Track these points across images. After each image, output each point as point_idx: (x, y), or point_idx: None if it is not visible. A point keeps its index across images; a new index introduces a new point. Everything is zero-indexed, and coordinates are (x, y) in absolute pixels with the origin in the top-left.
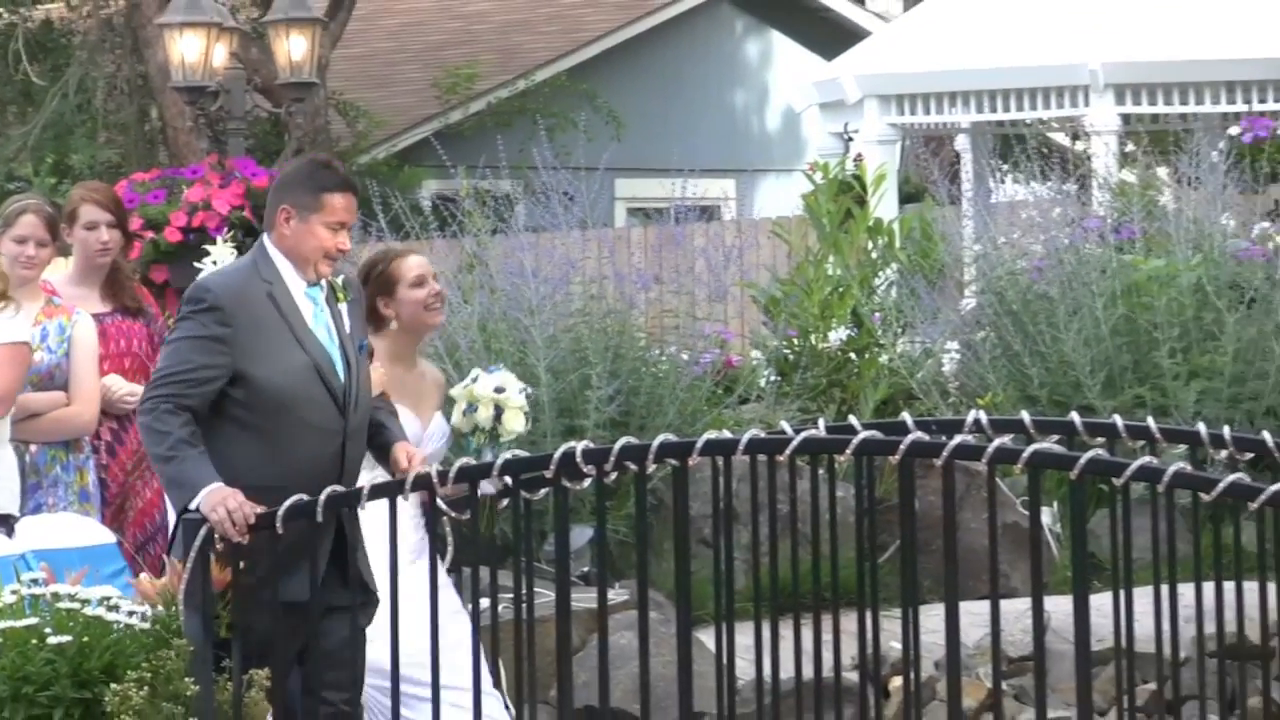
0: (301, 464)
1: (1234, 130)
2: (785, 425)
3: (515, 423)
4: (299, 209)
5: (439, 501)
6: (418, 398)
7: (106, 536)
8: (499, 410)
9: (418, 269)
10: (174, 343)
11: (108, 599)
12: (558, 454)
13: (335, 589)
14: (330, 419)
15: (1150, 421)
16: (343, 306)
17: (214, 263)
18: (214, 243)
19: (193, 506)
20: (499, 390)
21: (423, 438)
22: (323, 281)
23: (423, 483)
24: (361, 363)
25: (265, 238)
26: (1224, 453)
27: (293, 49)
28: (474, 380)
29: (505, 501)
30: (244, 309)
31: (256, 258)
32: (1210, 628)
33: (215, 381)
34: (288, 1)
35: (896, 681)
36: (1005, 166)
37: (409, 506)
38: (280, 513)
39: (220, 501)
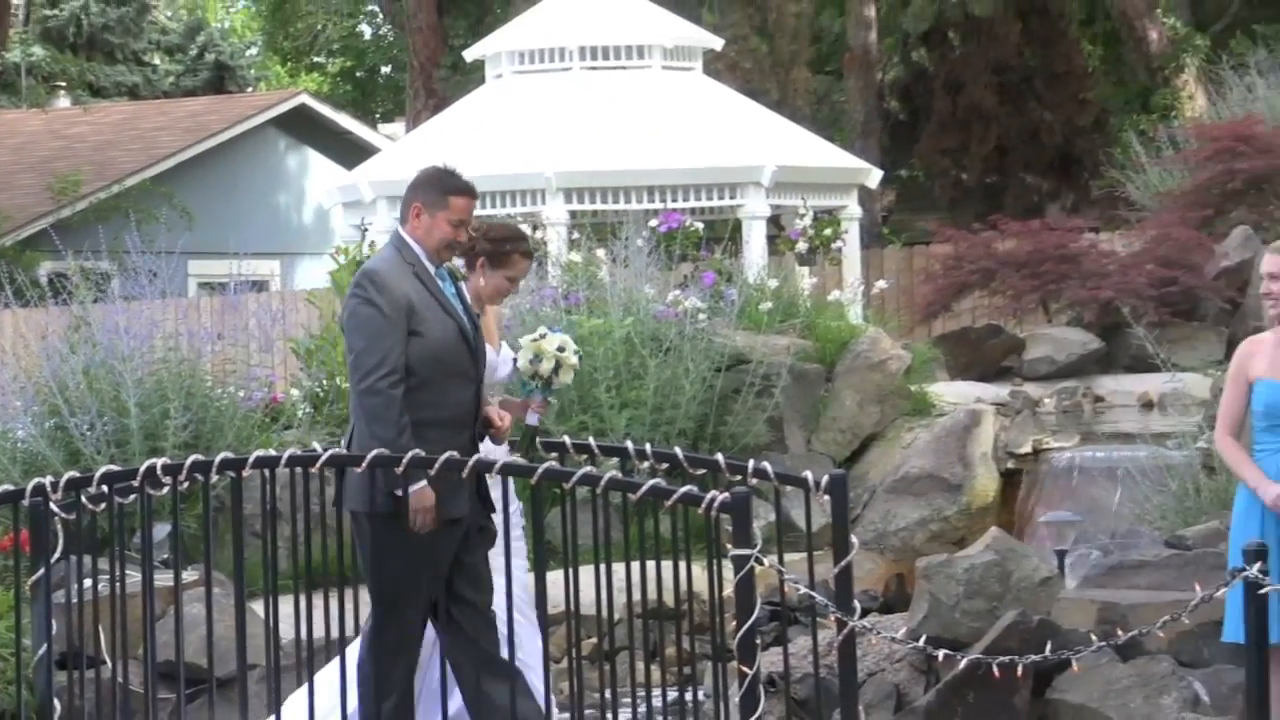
0: (453, 404)
1: (654, 222)
2: (316, 445)
3: (567, 376)
4: (428, 205)
5: (52, 505)
6: (489, 334)
7: None
8: (557, 364)
9: (522, 271)
10: (367, 322)
11: None
12: (143, 467)
13: (477, 510)
14: (470, 369)
15: (591, 440)
16: (462, 285)
17: None
18: None
19: (400, 492)
20: (560, 349)
21: (497, 364)
22: (443, 269)
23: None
24: (479, 326)
25: (400, 228)
26: (646, 464)
27: None
28: (541, 336)
29: (103, 504)
30: (405, 285)
31: (397, 245)
32: (637, 595)
33: (402, 345)
34: None
35: None
36: None
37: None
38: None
39: (425, 504)
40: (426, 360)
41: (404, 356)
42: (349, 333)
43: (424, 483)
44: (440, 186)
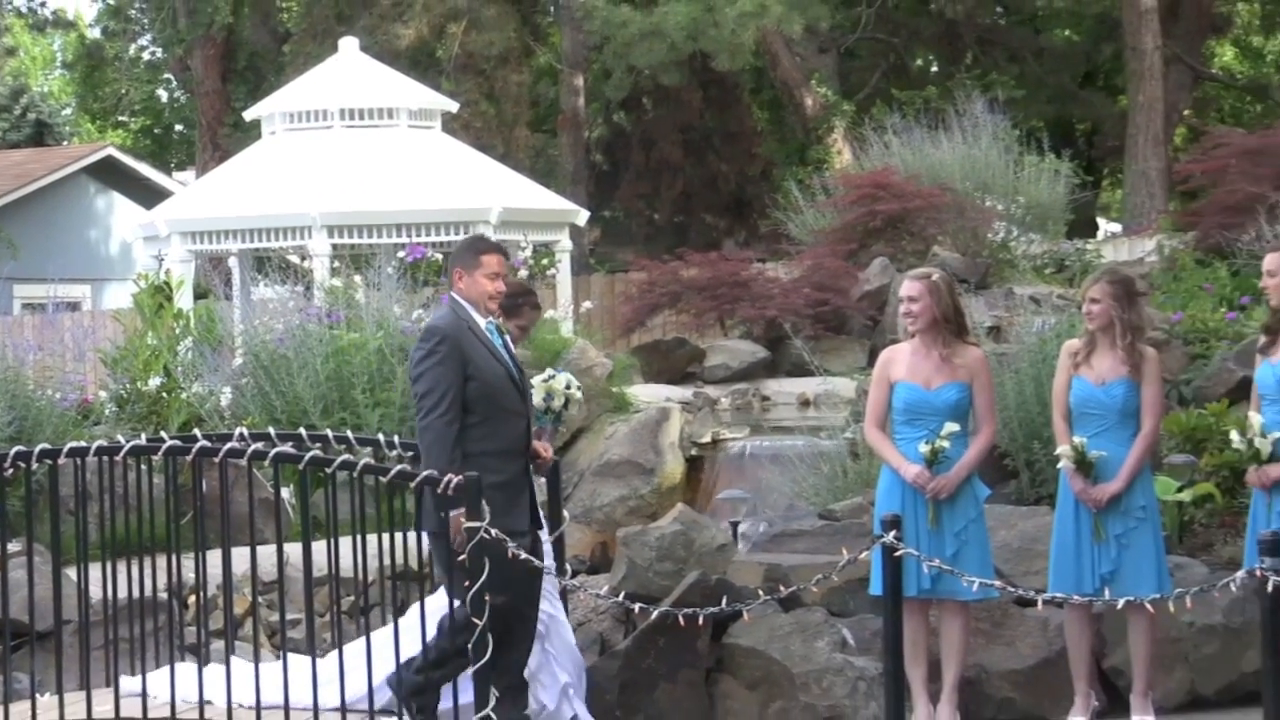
0: (508, 437)
1: (401, 254)
2: (120, 438)
3: (574, 409)
4: (466, 268)
5: None
6: None
7: None
8: (566, 400)
9: (532, 321)
10: (429, 370)
11: None
12: None
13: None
14: (519, 407)
15: (349, 433)
16: (507, 337)
17: None
18: None
19: (446, 515)
20: (568, 387)
21: None
22: (491, 321)
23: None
24: (524, 370)
25: (452, 292)
26: (395, 452)
27: None
28: (550, 377)
29: None
30: (462, 338)
31: (452, 306)
32: (387, 561)
33: (458, 389)
34: None
35: (192, 598)
36: (260, 275)
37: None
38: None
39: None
40: (483, 401)
41: (460, 398)
42: (413, 380)
43: (464, 508)
44: (473, 250)
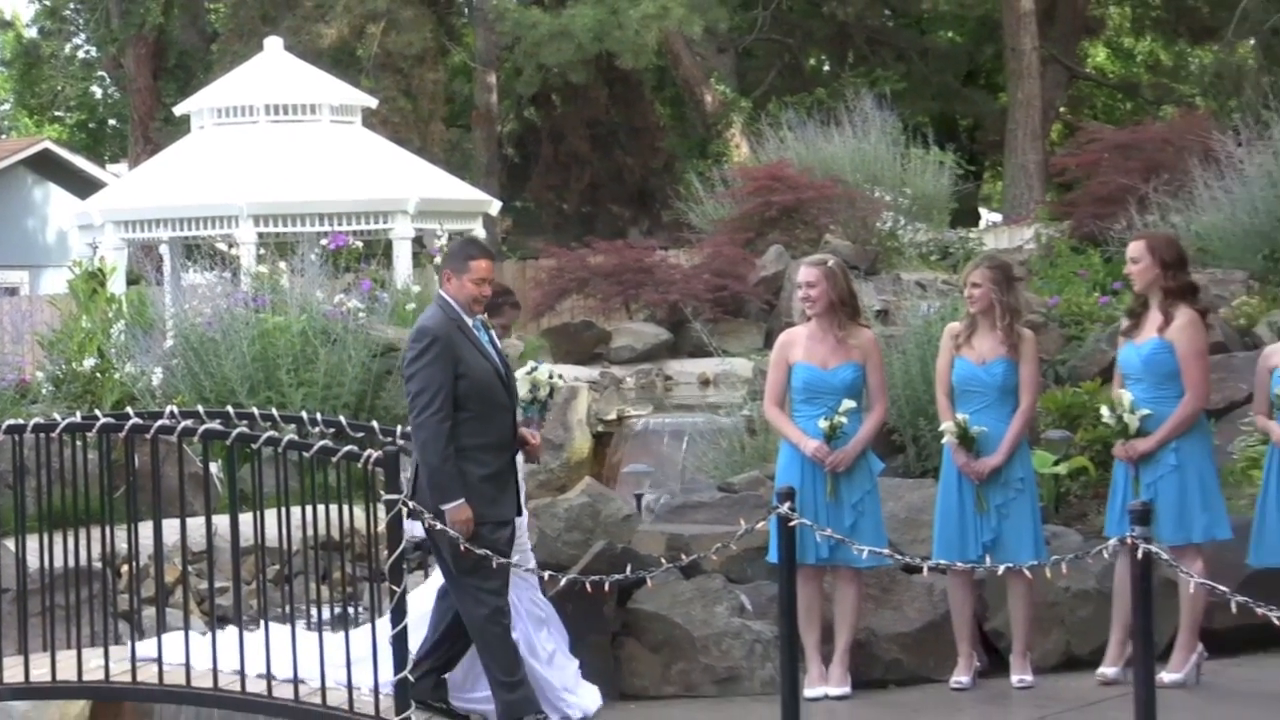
0: (496, 431)
1: (324, 242)
2: (57, 416)
3: (557, 397)
4: (455, 271)
5: None
6: None
7: None
8: (551, 390)
9: (511, 319)
10: (422, 370)
11: None
12: None
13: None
14: (506, 400)
15: (274, 411)
16: (493, 333)
17: None
18: None
19: (443, 508)
20: (551, 377)
21: None
22: (479, 319)
23: None
24: (510, 366)
25: (441, 290)
26: (317, 429)
27: None
28: (534, 370)
29: None
30: (451, 337)
31: (441, 304)
32: (310, 532)
33: (449, 386)
34: None
35: (125, 568)
36: (190, 262)
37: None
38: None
39: (461, 517)
40: (472, 396)
41: (451, 395)
42: (407, 378)
43: (460, 500)
44: (463, 254)
